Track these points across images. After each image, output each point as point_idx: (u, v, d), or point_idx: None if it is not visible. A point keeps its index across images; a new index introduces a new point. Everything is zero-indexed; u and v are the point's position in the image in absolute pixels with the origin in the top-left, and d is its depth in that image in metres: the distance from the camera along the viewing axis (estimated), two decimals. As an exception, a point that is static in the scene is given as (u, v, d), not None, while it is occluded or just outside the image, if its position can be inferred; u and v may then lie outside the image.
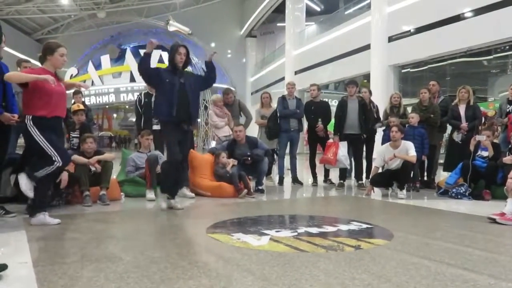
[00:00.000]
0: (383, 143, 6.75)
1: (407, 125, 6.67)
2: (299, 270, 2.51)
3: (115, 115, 44.02)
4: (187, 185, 5.92)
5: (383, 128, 7.36)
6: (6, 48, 4.23)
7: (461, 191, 5.84)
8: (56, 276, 2.36)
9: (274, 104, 7.87)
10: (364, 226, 3.91)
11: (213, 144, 11.22)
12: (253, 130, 8.14)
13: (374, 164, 6.42)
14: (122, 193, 5.73)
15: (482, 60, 14.01)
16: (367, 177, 7.05)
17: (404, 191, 5.97)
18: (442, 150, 8.28)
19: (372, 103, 7.56)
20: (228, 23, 35.42)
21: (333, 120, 7.31)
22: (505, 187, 4.59)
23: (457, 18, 12.87)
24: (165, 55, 32.99)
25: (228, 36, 36.01)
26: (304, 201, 6.16)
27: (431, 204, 5.52)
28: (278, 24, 31.87)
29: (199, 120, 29.50)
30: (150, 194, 5.53)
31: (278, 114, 7.33)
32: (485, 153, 5.97)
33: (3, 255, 2.97)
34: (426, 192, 6.54)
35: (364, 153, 7.41)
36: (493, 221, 4.04)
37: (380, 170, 6.35)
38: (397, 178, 6.10)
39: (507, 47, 12.39)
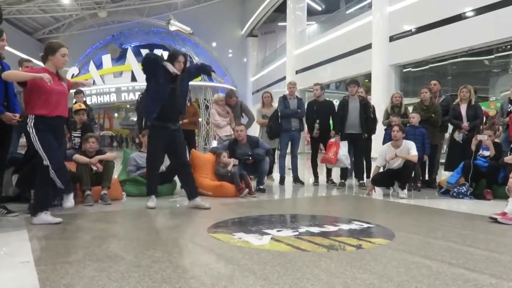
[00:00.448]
0: (384, 142, 6.75)
1: (408, 124, 6.66)
2: (300, 269, 2.51)
3: (116, 115, 44.07)
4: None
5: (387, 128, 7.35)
6: (7, 48, 4.24)
7: (463, 190, 5.84)
8: (58, 276, 2.37)
9: (275, 104, 7.87)
10: (365, 225, 3.91)
11: (214, 143, 11.24)
12: (254, 130, 8.15)
13: (375, 164, 6.42)
14: (123, 193, 5.74)
15: (483, 60, 14.00)
16: (368, 176, 7.06)
17: (405, 190, 5.96)
18: (444, 150, 8.27)
19: (369, 104, 7.54)
20: (229, 23, 35.46)
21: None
22: (507, 187, 4.59)
23: (458, 17, 12.87)
24: (166, 55, 33.14)
25: (229, 36, 36.04)
26: (305, 201, 6.16)
27: (432, 203, 5.52)
28: (279, 24, 31.89)
29: (200, 119, 29.50)
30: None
31: (279, 114, 7.33)
32: (486, 153, 5.96)
33: (5, 255, 2.98)
34: (427, 192, 6.54)
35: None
36: (495, 220, 4.04)
37: (381, 170, 6.35)
38: (398, 177, 6.10)
39: (508, 46, 12.38)
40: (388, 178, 6.26)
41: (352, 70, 18.01)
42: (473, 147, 6.03)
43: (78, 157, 5.13)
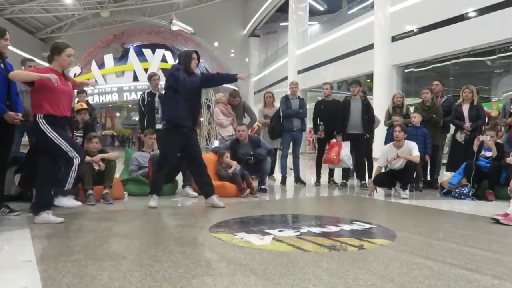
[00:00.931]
0: (386, 142, 6.75)
1: (409, 125, 6.65)
2: (302, 269, 2.51)
3: (118, 114, 44.11)
4: (190, 184, 5.94)
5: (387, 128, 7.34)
6: (10, 47, 4.25)
7: (465, 191, 5.83)
8: (60, 275, 2.37)
9: (277, 104, 7.87)
10: (367, 226, 3.91)
11: (216, 143, 11.24)
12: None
13: (377, 164, 6.41)
14: (125, 192, 5.75)
15: (485, 60, 13.98)
16: (370, 176, 7.05)
17: (407, 191, 5.96)
18: (445, 150, 8.26)
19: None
20: (231, 23, 35.45)
21: None
22: (509, 188, 4.59)
23: (461, 18, 12.84)
24: (168, 55, 33.09)
25: (231, 36, 36.03)
26: (306, 201, 6.15)
27: (434, 204, 5.51)
28: (281, 24, 31.88)
29: (202, 119, 29.52)
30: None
31: (281, 114, 7.33)
32: (488, 154, 5.95)
33: (7, 253, 2.98)
34: (429, 192, 6.53)
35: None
36: (497, 221, 4.03)
37: (383, 170, 6.35)
38: (400, 178, 6.09)
39: (511, 47, 12.35)
40: (389, 179, 6.25)
41: (354, 70, 17.99)
42: (475, 148, 6.02)
43: (80, 156, 5.13)
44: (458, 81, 13.57)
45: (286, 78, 24.19)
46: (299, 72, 23.29)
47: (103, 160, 5.25)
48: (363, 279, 2.35)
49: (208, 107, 30.72)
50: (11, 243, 3.26)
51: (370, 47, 16.62)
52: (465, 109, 6.73)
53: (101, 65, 33.42)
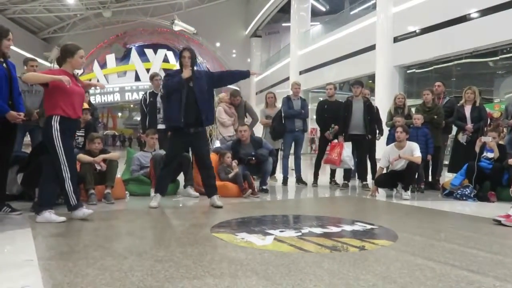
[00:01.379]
0: (387, 143, 6.74)
1: (411, 126, 6.64)
2: (303, 270, 2.51)
3: (120, 114, 44.17)
4: (191, 184, 5.94)
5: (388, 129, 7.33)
6: (12, 47, 4.26)
7: (466, 192, 5.82)
8: (61, 274, 2.37)
9: (279, 104, 7.87)
10: (369, 226, 3.90)
11: (217, 143, 11.24)
12: (258, 130, 8.14)
13: (379, 165, 6.40)
14: (126, 192, 5.75)
15: (488, 61, 13.96)
16: (373, 177, 7.03)
17: (409, 192, 5.95)
18: (447, 151, 8.25)
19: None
20: (233, 23, 35.47)
21: None
22: (511, 189, 4.58)
23: (463, 18, 12.83)
24: (170, 55, 33.12)
25: (233, 36, 36.04)
26: (308, 202, 6.15)
27: (436, 205, 5.50)
28: (283, 24, 31.89)
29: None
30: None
31: (283, 114, 7.32)
32: (490, 155, 5.94)
33: (9, 253, 2.99)
34: (430, 193, 6.52)
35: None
36: (499, 223, 4.02)
37: (384, 171, 6.34)
38: (401, 179, 6.08)
39: (514, 48, 12.33)
40: (391, 179, 6.24)
41: (356, 71, 17.98)
42: (477, 149, 6.01)
43: (81, 156, 5.14)
44: (460, 82, 13.57)
45: (288, 78, 24.20)
46: (301, 73, 23.29)
47: (104, 160, 5.25)
48: (364, 279, 2.35)
49: (210, 107, 30.72)
50: (13, 242, 3.26)
51: (372, 47, 16.61)
52: (467, 110, 6.72)
53: (103, 65, 33.50)
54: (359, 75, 17.09)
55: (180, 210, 5.11)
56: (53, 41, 36.93)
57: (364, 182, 7.03)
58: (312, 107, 10.23)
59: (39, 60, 7.25)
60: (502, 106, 11.06)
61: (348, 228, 3.85)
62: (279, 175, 7.91)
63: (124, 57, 35.07)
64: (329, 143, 7.33)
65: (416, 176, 6.29)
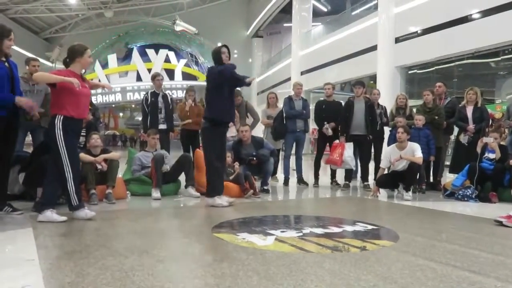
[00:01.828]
0: (389, 144, 6.73)
1: (412, 126, 6.63)
2: (304, 270, 2.51)
3: (121, 114, 44.20)
4: (192, 184, 5.93)
5: (390, 129, 7.31)
6: (14, 47, 4.27)
7: (468, 193, 5.81)
8: (62, 274, 2.38)
9: (280, 104, 7.86)
10: (370, 227, 3.90)
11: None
12: (257, 131, 8.13)
13: (380, 165, 6.40)
14: (128, 192, 5.76)
15: (489, 62, 13.93)
16: (375, 178, 7.02)
17: (410, 192, 5.95)
18: (449, 152, 8.24)
19: (380, 106, 7.49)
20: (234, 23, 35.45)
21: None
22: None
23: (465, 19, 12.78)
24: (171, 55, 33.17)
25: (234, 36, 36.01)
26: (309, 202, 6.15)
27: (437, 206, 5.49)
28: (285, 25, 31.83)
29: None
30: (155, 193, 5.55)
31: (284, 115, 7.32)
32: (492, 155, 5.93)
33: (10, 252, 2.99)
34: (432, 194, 6.51)
35: (372, 155, 7.35)
36: (500, 223, 4.02)
37: (386, 171, 6.33)
38: (403, 179, 6.07)
39: (515, 48, 12.31)
40: (392, 180, 6.23)
41: (357, 72, 17.94)
42: (478, 150, 6.00)
43: (83, 156, 5.14)
44: (462, 83, 13.53)
45: (289, 79, 24.16)
46: (302, 73, 23.25)
47: (105, 160, 5.26)
48: (365, 280, 2.35)
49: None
50: (14, 242, 3.27)
51: (374, 48, 16.58)
52: (469, 110, 6.70)
53: (104, 65, 33.55)
54: (360, 76, 17.06)
55: (181, 210, 5.12)
56: (55, 41, 36.99)
57: (366, 183, 7.03)
58: (313, 107, 10.21)
59: (41, 60, 7.25)
60: (503, 107, 11.04)
61: (349, 228, 3.85)
62: (280, 175, 7.91)
63: (125, 57, 35.15)
64: (328, 143, 7.33)
65: (418, 177, 6.29)
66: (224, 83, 5.01)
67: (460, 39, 12.80)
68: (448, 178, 7.22)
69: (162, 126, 6.88)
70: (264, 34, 35.42)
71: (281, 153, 8.21)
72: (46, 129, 4.14)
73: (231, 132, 7.23)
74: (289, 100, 7.43)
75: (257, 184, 6.37)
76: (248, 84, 5.20)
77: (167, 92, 7.43)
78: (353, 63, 18.50)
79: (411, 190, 5.98)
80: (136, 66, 32.65)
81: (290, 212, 4.94)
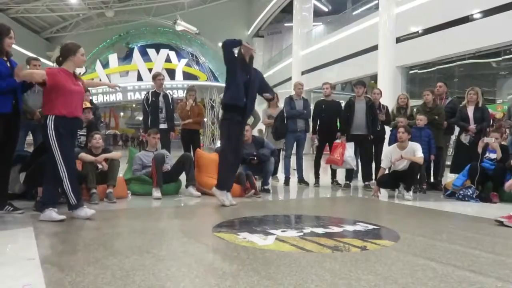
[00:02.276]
0: (390, 144, 6.73)
1: (413, 126, 6.62)
2: (305, 270, 2.51)
3: (122, 114, 44.24)
4: (193, 184, 5.94)
5: (391, 129, 7.31)
6: (15, 46, 4.28)
7: (468, 193, 5.81)
8: (63, 273, 2.38)
9: (281, 104, 7.86)
10: (370, 227, 3.90)
11: (219, 143, 11.23)
12: (254, 131, 8.12)
13: (381, 165, 6.39)
14: (128, 192, 5.76)
15: (490, 62, 13.93)
16: (375, 178, 7.02)
17: (411, 192, 5.94)
18: (450, 152, 8.23)
19: (382, 105, 7.48)
20: (235, 23, 35.44)
21: None
22: (506, 184, 4.56)
23: (466, 19, 12.78)
24: (172, 55, 33.15)
25: (235, 36, 35.36)
26: (310, 202, 6.15)
27: (438, 206, 5.49)
28: (286, 24, 31.83)
29: (205, 119, 29.52)
30: (156, 193, 5.55)
31: (285, 114, 7.32)
32: (493, 155, 5.93)
33: (11, 251, 3.00)
34: (433, 194, 6.51)
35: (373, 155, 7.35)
36: (501, 223, 4.02)
37: (386, 171, 6.33)
38: (404, 179, 6.07)
39: (516, 48, 12.30)
40: (393, 180, 6.23)
41: (358, 71, 17.95)
42: (479, 150, 5.99)
43: (83, 155, 5.15)
44: (463, 83, 13.53)
45: (290, 78, 24.15)
46: (303, 73, 23.25)
47: (106, 159, 5.26)
48: (366, 280, 2.34)
49: (212, 107, 30.78)
50: (15, 241, 3.27)
51: (375, 48, 16.57)
52: (470, 110, 6.70)
53: (105, 65, 33.56)
54: (361, 76, 17.06)
55: (181, 209, 5.12)
56: (56, 40, 36.99)
57: (367, 182, 7.03)
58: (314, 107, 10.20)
59: (42, 60, 7.25)
60: (504, 107, 11.05)
61: (349, 228, 3.84)
62: (281, 175, 7.91)
63: (126, 57, 35.16)
64: (327, 143, 7.34)
65: (418, 177, 6.29)
66: (230, 63, 5.08)
67: (461, 39, 12.79)
68: (449, 178, 7.21)
69: (163, 126, 6.88)
70: (265, 34, 35.42)
71: (282, 153, 8.21)
72: (41, 132, 4.13)
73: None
74: (289, 100, 7.44)
75: (258, 184, 6.37)
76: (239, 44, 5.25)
77: (168, 91, 7.44)
78: (354, 63, 18.50)
79: (411, 190, 5.98)
80: (137, 65, 32.65)
81: (291, 211, 4.94)
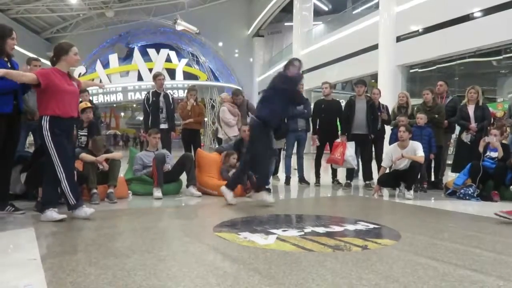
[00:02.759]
0: (390, 143, 6.72)
1: (413, 125, 6.61)
2: (306, 269, 2.51)
3: (122, 114, 44.22)
4: (194, 184, 5.94)
5: (392, 128, 7.30)
6: (16, 47, 4.27)
7: (469, 192, 5.80)
8: (64, 273, 2.38)
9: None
10: (371, 226, 3.90)
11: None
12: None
13: (381, 164, 6.39)
14: (129, 192, 5.76)
15: (491, 61, 13.90)
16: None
17: (412, 191, 5.94)
18: (451, 151, 8.21)
19: (382, 105, 7.48)
20: (235, 23, 35.44)
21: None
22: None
23: (466, 18, 12.76)
24: (173, 54, 33.09)
25: (235, 36, 36.03)
26: (310, 201, 6.15)
27: (439, 204, 5.49)
28: (286, 24, 31.81)
29: (206, 119, 29.50)
30: (157, 193, 5.55)
31: (285, 114, 7.30)
32: (494, 154, 5.92)
33: (12, 252, 3.00)
34: (433, 193, 6.50)
35: (373, 154, 7.34)
36: (500, 217, 4.02)
37: (387, 170, 6.32)
38: (404, 178, 6.06)
39: (517, 47, 12.28)
40: (394, 179, 6.22)
41: (358, 71, 17.92)
42: (480, 149, 5.99)
43: (84, 155, 5.15)
44: (463, 82, 13.50)
45: (290, 78, 24.13)
46: (303, 72, 23.23)
47: (107, 160, 5.27)
48: (367, 279, 2.34)
49: (212, 107, 30.75)
50: (16, 241, 3.27)
51: (375, 47, 16.55)
52: (471, 109, 6.68)
53: (105, 65, 33.53)
54: (361, 75, 17.03)
55: (182, 209, 5.12)
56: (56, 41, 36.88)
57: (367, 182, 7.02)
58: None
59: (42, 60, 7.25)
60: (505, 105, 11.03)
61: (350, 227, 3.84)
62: (281, 174, 7.91)
63: (126, 57, 35.12)
64: (328, 142, 7.33)
65: (419, 176, 6.28)
66: (286, 89, 5.17)
67: (462, 37, 12.77)
68: (450, 177, 7.20)
69: (164, 126, 6.88)
70: (265, 33, 35.41)
71: (283, 152, 8.21)
72: (38, 133, 4.13)
73: (233, 132, 7.24)
74: (290, 100, 7.42)
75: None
76: (299, 105, 6.13)
77: (168, 91, 7.44)
78: (354, 62, 18.48)
79: (412, 189, 5.97)
80: (137, 65, 32.59)
81: (292, 211, 4.94)
